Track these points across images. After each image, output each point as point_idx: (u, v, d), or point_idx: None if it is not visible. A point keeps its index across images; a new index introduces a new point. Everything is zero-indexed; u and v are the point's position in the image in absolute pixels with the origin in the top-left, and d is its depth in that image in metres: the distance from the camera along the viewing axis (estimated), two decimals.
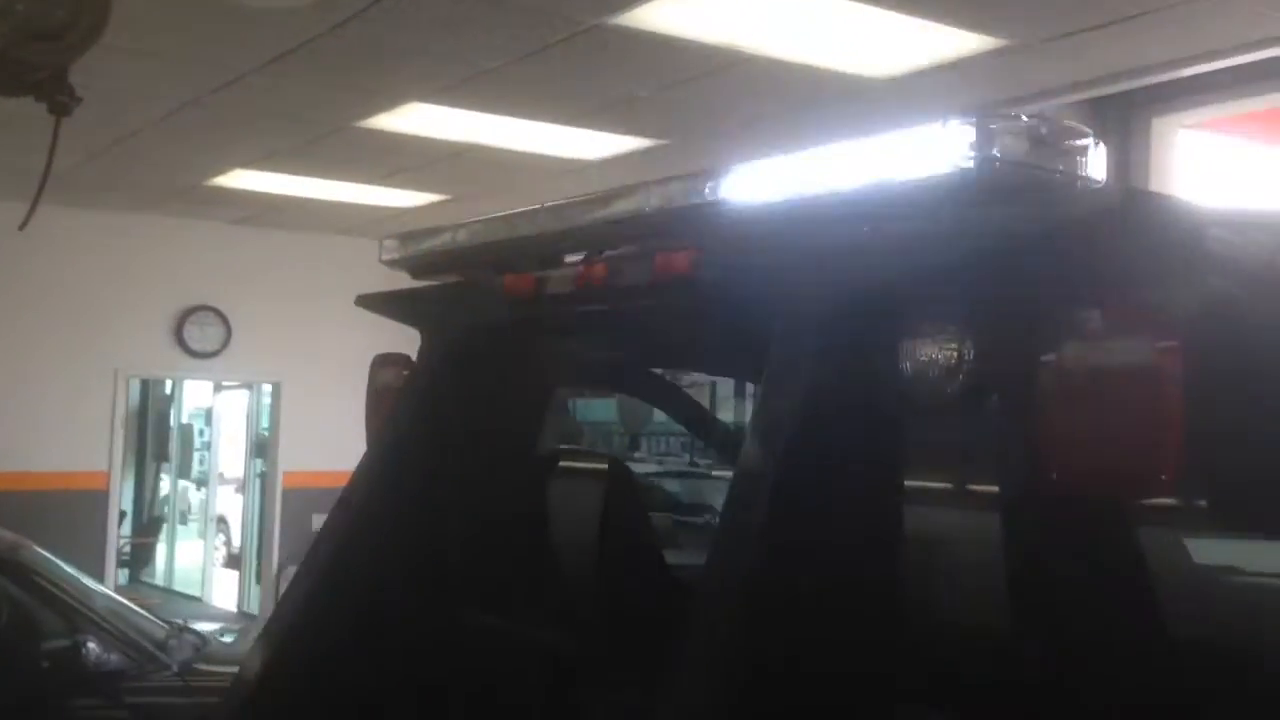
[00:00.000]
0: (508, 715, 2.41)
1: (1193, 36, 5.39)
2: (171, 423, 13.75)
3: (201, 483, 13.58)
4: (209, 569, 11.84)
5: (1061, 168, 1.50)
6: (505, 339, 2.38)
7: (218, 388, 12.30)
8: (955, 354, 1.60)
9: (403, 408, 2.46)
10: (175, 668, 5.03)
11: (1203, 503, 1.85)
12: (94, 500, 9.66)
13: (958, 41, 5.52)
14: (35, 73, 3.00)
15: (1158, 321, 1.44)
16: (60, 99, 3.07)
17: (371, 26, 5.40)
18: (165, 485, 13.78)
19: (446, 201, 8.95)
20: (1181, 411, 1.41)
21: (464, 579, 2.42)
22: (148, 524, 12.92)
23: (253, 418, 11.56)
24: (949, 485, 2.20)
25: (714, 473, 11.56)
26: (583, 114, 6.83)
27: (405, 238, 2.47)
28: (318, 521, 11.43)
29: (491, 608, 2.42)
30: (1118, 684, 1.66)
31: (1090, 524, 1.66)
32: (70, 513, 8.91)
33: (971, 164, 1.46)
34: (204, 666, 5.10)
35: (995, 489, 1.81)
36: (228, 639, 5.95)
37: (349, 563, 2.37)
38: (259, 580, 10.90)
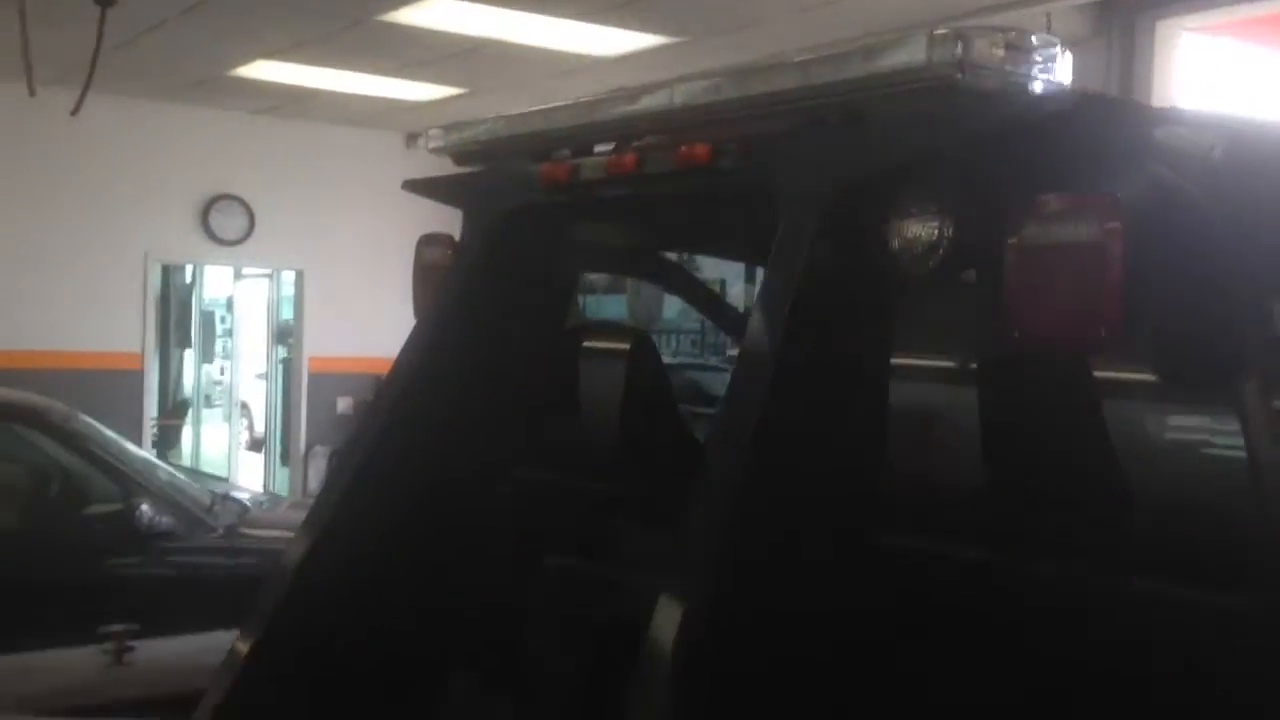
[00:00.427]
0: (550, 560, 2.69)
1: None
2: (193, 309, 14.05)
3: (224, 367, 13.92)
4: (234, 451, 12.21)
5: (1031, 73, 1.76)
6: (542, 221, 2.62)
7: (238, 275, 12.53)
8: (936, 233, 1.85)
9: (449, 283, 2.70)
10: (221, 530, 5.39)
11: (1143, 365, 2.14)
12: (129, 379, 9.98)
13: None
14: None
15: (1106, 205, 1.71)
16: None
17: None
18: (188, 370, 14.14)
19: (463, 95, 9.08)
20: (1123, 281, 1.69)
21: (512, 439, 2.66)
22: (173, 407, 13.26)
23: (273, 305, 11.83)
24: (930, 346, 2.48)
25: (720, 366, 11.89)
26: (598, 10, 6.96)
27: (450, 127, 2.68)
28: (343, 404, 11.70)
29: (536, 466, 2.67)
30: (1074, 513, 1.97)
31: (1049, 378, 1.96)
32: (106, 391, 9.15)
33: (953, 68, 1.72)
34: (248, 530, 5.46)
35: (969, 348, 2.10)
36: (265, 506, 6.33)
37: (402, 428, 2.53)
38: (284, 463, 11.32)
